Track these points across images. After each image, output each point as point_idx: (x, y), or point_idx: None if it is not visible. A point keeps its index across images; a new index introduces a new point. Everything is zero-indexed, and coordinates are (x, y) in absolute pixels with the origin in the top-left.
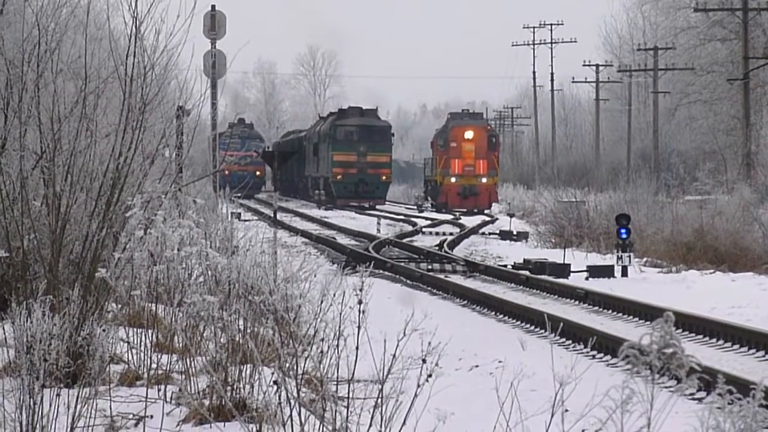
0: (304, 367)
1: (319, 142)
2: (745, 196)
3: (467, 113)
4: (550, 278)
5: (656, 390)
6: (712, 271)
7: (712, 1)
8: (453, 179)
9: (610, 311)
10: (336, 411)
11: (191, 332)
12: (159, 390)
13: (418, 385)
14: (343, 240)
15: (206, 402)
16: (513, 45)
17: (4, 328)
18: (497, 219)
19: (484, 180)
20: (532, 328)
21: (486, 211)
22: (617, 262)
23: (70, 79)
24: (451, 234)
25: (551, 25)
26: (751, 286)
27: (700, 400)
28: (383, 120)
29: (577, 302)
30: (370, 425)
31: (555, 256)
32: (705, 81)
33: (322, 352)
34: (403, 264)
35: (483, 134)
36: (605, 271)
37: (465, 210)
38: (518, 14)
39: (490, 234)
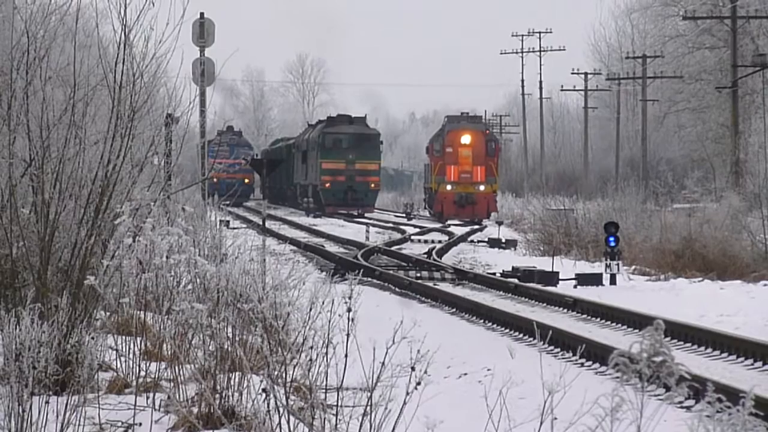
0: (293, 374)
1: (308, 149)
2: (733, 204)
3: (465, 116)
4: (539, 286)
5: (645, 398)
6: (700, 279)
7: (700, 10)
8: (449, 187)
9: (598, 319)
10: (325, 419)
11: (180, 340)
12: (148, 398)
13: (407, 393)
14: (331, 248)
15: (195, 410)
16: (501, 53)
17: None
18: (486, 227)
19: (481, 188)
20: (521, 336)
21: (484, 221)
22: (606, 270)
23: (59, 87)
24: (439, 242)
25: (540, 33)
26: (739, 294)
27: (689, 408)
28: (372, 128)
29: (565, 310)
30: None
31: (543, 264)
32: (693, 89)
33: (311, 359)
34: (392, 272)
35: (481, 138)
36: (594, 279)
37: (466, 219)
38: (507, 22)
39: (478, 242)
